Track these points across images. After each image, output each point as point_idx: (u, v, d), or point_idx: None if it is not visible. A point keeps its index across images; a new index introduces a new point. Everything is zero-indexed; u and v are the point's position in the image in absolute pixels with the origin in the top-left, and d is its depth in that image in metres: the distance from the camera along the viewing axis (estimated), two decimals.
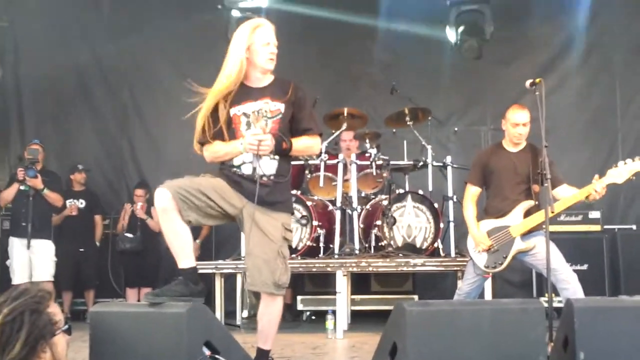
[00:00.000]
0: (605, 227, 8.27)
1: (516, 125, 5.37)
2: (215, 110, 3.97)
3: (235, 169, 3.98)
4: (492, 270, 5.37)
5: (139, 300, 8.26)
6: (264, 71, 4.02)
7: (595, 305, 3.80)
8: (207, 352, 3.64)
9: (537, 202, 5.25)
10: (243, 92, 3.99)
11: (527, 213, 5.29)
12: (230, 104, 3.97)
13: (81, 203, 8.75)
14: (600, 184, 5.09)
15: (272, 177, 3.96)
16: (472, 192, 5.58)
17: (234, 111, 3.98)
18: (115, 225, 8.91)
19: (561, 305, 4.62)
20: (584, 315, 3.61)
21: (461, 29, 8.88)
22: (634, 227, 8.72)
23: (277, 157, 3.96)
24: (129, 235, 8.59)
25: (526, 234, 5.28)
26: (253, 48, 3.94)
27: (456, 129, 8.19)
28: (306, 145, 4.09)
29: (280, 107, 3.98)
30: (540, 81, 5.01)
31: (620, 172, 5.10)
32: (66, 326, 2.76)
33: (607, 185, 5.12)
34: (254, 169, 3.92)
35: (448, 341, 3.50)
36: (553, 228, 7.35)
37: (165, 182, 3.82)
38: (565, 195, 5.25)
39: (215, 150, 4.01)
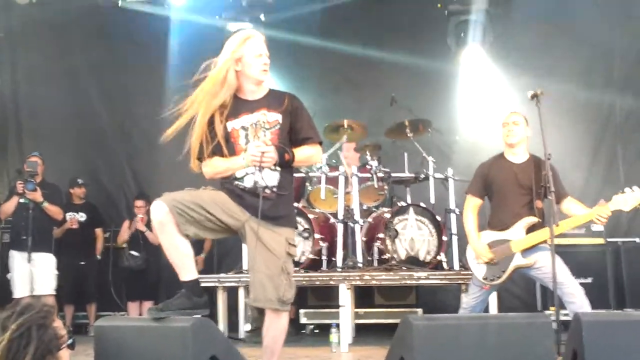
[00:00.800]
0: (609, 240, 8.25)
1: (505, 124, 5.37)
2: (211, 125, 3.92)
3: (237, 182, 3.91)
4: (489, 283, 5.30)
5: (140, 314, 8.23)
6: (257, 82, 3.98)
7: (603, 320, 3.78)
8: None
9: (540, 220, 5.20)
10: (239, 105, 3.95)
11: (530, 229, 5.24)
12: (227, 118, 3.93)
13: (81, 216, 8.72)
14: (606, 211, 5.05)
15: (274, 190, 3.90)
16: (473, 203, 5.50)
17: (232, 125, 3.94)
18: (116, 238, 8.90)
19: (567, 318, 4.62)
20: (592, 330, 3.59)
21: (461, 38, 8.91)
22: (638, 240, 8.68)
23: (278, 168, 3.90)
24: (135, 253, 8.55)
25: (527, 250, 5.23)
26: (245, 60, 3.91)
27: (457, 137, 8.16)
28: (307, 154, 4.02)
29: (278, 117, 3.94)
30: (541, 92, 5.00)
31: (627, 200, 5.02)
32: (70, 340, 2.75)
33: (612, 212, 5.07)
34: (256, 181, 3.86)
35: (455, 355, 3.47)
36: (556, 241, 7.37)
37: (163, 195, 3.76)
38: (570, 209, 5.23)
39: (216, 166, 3.95)
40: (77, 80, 9.81)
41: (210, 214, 3.80)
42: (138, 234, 8.59)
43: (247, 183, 3.89)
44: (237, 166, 3.87)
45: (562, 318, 4.99)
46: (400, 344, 3.64)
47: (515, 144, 5.37)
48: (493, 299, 6.37)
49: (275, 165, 3.85)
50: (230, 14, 9.23)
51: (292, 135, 3.99)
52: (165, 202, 3.69)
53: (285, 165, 3.91)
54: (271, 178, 3.90)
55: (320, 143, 4.09)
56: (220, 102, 3.90)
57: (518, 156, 5.40)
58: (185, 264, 3.78)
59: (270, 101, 3.98)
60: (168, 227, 3.69)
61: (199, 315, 3.74)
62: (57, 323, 2.72)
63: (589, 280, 7.77)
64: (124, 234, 8.74)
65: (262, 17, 9.30)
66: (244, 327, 7.74)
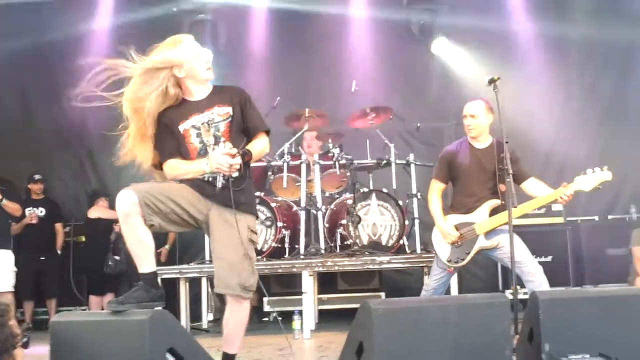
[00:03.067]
0: (568, 219, 8.37)
1: (464, 116, 5.41)
2: (161, 129, 3.94)
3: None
4: (454, 265, 5.35)
5: (102, 308, 8.15)
6: (204, 82, 4.01)
7: (560, 297, 3.81)
8: (172, 359, 3.58)
9: (503, 202, 5.24)
10: (187, 108, 3.96)
11: (493, 211, 5.30)
12: (177, 121, 3.93)
13: (41, 211, 8.60)
14: (568, 191, 5.11)
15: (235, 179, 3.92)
16: (437, 187, 5.54)
17: (183, 127, 3.95)
18: (77, 233, 8.83)
19: (527, 297, 4.67)
20: (549, 307, 3.64)
21: (421, 26, 8.95)
22: (597, 218, 8.84)
23: None
24: (117, 257, 8.44)
25: (490, 232, 5.28)
26: (187, 65, 3.89)
27: (419, 124, 8.18)
28: (261, 148, 4.06)
29: (229, 109, 3.97)
30: (498, 78, 5.03)
31: (588, 180, 5.10)
32: (25, 339, 2.71)
33: (574, 192, 5.15)
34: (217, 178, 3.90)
35: (415, 338, 3.48)
36: (517, 222, 7.45)
37: (131, 185, 3.76)
38: (533, 190, 5.29)
39: (176, 168, 3.96)
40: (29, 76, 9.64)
41: (178, 206, 3.84)
42: (118, 237, 8.45)
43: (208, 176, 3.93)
44: (199, 171, 3.89)
45: (523, 297, 5.05)
46: (360, 329, 3.63)
47: (475, 137, 5.43)
48: (454, 280, 6.43)
49: (239, 171, 3.88)
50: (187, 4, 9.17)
51: (242, 121, 4.01)
52: (135, 191, 3.70)
53: (245, 164, 3.92)
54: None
55: (268, 132, 4.11)
56: (164, 108, 3.92)
57: (481, 142, 5.45)
58: (146, 256, 3.78)
59: (218, 97, 4.00)
60: (134, 218, 3.70)
61: (158, 308, 3.74)
62: (13, 322, 2.68)
63: (549, 258, 7.89)
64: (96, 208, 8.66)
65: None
66: (207, 317, 7.73)
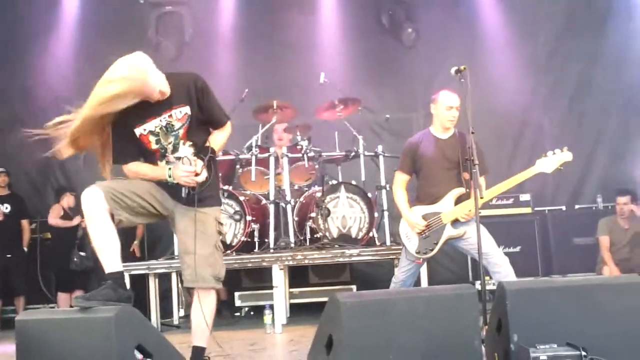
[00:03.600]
0: (536, 209, 8.45)
1: (450, 108, 5.37)
2: (118, 131, 3.86)
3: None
4: (422, 256, 5.37)
5: (71, 305, 8.06)
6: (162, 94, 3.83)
7: (527, 287, 3.84)
8: (140, 356, 3.55)
9: (467, 190, 5.26)
10: (144, 110, 3.80)
11: (458, 200, 5.32)
12: (134, 124, 3.84)
13: (6, 208, 8.50)
14: (529, 174, 5.21)
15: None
16: (401, 178, 5.56)
17: (140, 131, 3.86)
18: (42, 229, 8.72)
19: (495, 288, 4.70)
20: (516, 298, 3.67)
21: (391, 16, 8.96)
22: (564, 207, 8.93)
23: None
24: (82, 253, 8.34)
25: (457, 221, 5.31)
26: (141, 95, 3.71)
27: (388, 116, 8.18)
28: (223, 141, 4.08)
29: (187, 110, 3.88)
30: (465, 68, 5.04)
31: (549, 162, 5.18)
32: None
33: (535, 174, 5.23)
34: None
35: (383, 331, 3.50)
36: (485, 212, 7.55)
37: (96, 182, 3.75)
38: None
39: (137, 172, 3.94)
40: None
41: (144, 200, 3.85)
42: (84, 234, 8.34)
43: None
44: (162, 178, 3.87)
45: (493, 288, 5.09)
46: (328, 323, 3.64)
47: (449, 128, 5.46)
48: (424, 272, 6.47)
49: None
50: None
51: (201, 114, 3.94)
52: (101, 188, 3.70)
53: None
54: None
55: (228, 119, 4.09)
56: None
57: (444, 133, 5.48)
58: (112, 255, 3.76)
59: (173, 96, 3.86)
60: (100, 215, 3.69)
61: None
62: None
63: (518, 249, 7.98)
64: (55, 212, 8.54)
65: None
66: (179, 313, 7.68)
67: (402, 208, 5.49)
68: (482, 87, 8.29)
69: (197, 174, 3.79)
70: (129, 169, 3.95)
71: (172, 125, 3.86)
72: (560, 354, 3.39)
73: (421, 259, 5.42)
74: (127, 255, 8.02)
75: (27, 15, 9.03)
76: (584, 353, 3.37)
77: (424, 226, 5.33)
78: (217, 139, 4.02)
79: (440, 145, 5.44)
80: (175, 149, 3.89)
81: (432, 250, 5.36)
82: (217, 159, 4.22)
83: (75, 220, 8.29)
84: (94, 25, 9.15)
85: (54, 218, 8.51)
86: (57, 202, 8.68)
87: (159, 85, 3.75)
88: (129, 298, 3.78)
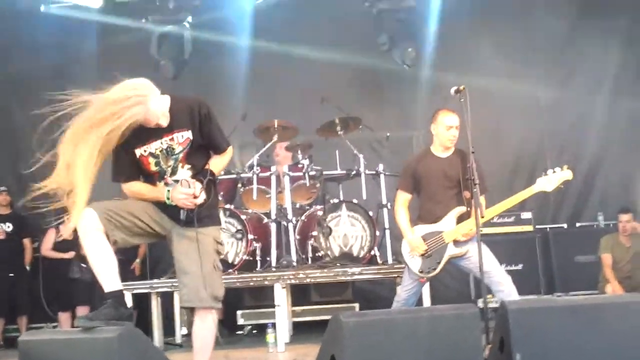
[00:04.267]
0: (537, 227, 8.45)
1: (450, 127, 5.39)
2: (118, 150, 3.82)
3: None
4: (426, 275, 5.39)
5: (72, 324, 8.04)
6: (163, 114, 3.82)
7: (529, 306, 3.84)
8: None
9: (468, 209, 5.28)
10: (146, 131, 3.79)
11: (460, 219, 5.34)
12: (135, 145, 3.84)
13: (8, 227, 8.51)
14: (530, 192, 5.26)
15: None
16: (403, 198, 5.58)
17: (140, 152, 3.87)
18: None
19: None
20: (518, 317, 3.67)
21: (392, 35, 9.00)
22: (565, 225, 8.94)
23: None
24: (83, 265, 8.33)
25: (459, 240, 5.32)
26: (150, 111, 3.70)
27: (388, 134, 8.20)
28: (222, 165, 4.10)
29: (188, 134, 3.87)
30: (464, 88, 5.08)
31: (550, 180, 5.22)
32: None
33: (536, 193, 5.28)
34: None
35: (386, 350, 3.49)
36: (486, 230, 7.55)
37: (91, 204, 3.71)
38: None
39: (135, 191, 3.96)
40: None
41: (140, 221, 3.84)
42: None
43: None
44: (160, 199, 3.86)
45: (495, 306, 5.09)
46: (331, 342, 3.64)
47: (449, 147, 5.49)
48: (427, 291, 6.47)
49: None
50: (157, 16, 9.09)
51: (201, 140, 3.93)
52: (95, 209, 3.69)
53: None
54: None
55: (229, 146, 4.08)
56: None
57: (445, 152, 5.50)
58: (111, 274, 3.74)
59: (176, 120, 3.85)
60: (95, 235, 3.68)
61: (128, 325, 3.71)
62: None
63: (520, 267, 7.97)
64: (48, 243, 8.51)
65: (189, 19, 9.20)
66: (181, 332, 7.67)
67: (403, 229, 5.52)
68: (482, 105, 8.40)
69: (195, 197, 3.79)
70: (128, 188, 3.96)
71: (173, 148, 3.86)
72: None
73: (424, 278, 5.42)
74: (128, 274, 8.02)
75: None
76: None
77: (423, 250, 5.36)
78: (217, 163, 4.03)
79: (440, 164, 5.46)
80: (174, 171, 3.90)
81: (434, 269, 5.37)
82: (219, 177, 4.23)
83: (68, 255, 8.28)
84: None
85: (47, 250, 8.51)
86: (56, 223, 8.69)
87: (160, 111, 3.75)
88: (131, 316, 3.78)
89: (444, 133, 5.43)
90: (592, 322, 3.70)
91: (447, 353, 3.56)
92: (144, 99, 3.63)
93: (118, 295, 3.74)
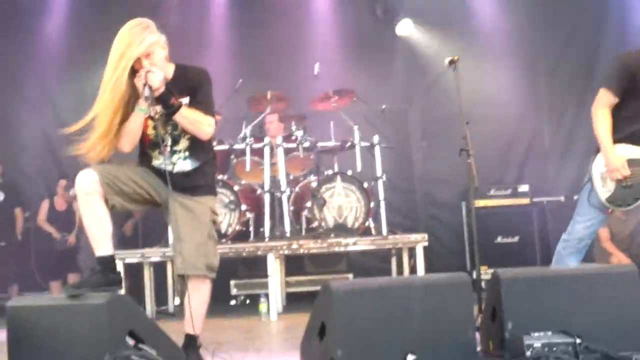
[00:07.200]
0: (534, 199, 8.42)
1: None
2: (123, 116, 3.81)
3: (153, 164, 3.94)
4: (614, 207, 4.36)
5: None
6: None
7: (521, 276, 3.84)
8: (132, 342, 3.53)
9: None
10: None
11: None
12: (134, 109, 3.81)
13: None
14: None
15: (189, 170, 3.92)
16: (607, 101, 4.38)
17: None
18: (36, 218, 8.72)
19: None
20: (510, 286, 3.67)
21: (385, 7, 8.92)
22: (562, 198, 8.89)
23: (187, 153, 3.90)
24: (65, 233, 8.39)
25: None
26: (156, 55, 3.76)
27: (384, 106, 8.12)
28: (196, 118, 3.82)
29: (186, 100, 3.86)
30: (458, 59, 5.02)
31: None
32: None
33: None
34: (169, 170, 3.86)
35: (376, 319, 3.49)
36: (482, 202, 7.56)
37: (91, 165, 3.73)
38: None
39: (123, 133, 3.85)
40: None
41: (139, 186, 3.84)
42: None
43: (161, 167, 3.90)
44: (136, 116, 3.78)
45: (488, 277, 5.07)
46: (321, 310, 3.63)
47: None
48: (420, 260, 6.43)
49: (166, 107, 3.75)
50: None
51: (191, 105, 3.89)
52: (96, 170, 3.67)
53: (170, 110, 3.75)
54: (184, 165, 3.91)
55: (212, 116, 3.95)
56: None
57: None
58: (104, 238, 3.74)
59: (177, 85, 3.85)
60: (94, 198, 3.66)
61: (120, 292, 3.76)
62: None
63: (516, 239, 7.98)
64: (42, 214, 8.57)
65: None
66: (174, 302, 7.67)
67: (603, 141, 4.36)
68: (478, 76, 8.35)
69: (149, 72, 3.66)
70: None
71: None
72: (555, 341, 3.41)
73: (611, 210, 4.39)
74: (120, 235, 8.15)
75: None
76: (578, 340, 3.38)
77: (624, 176, 4.27)
78: (196, 113, 3.84)
79: None
80: (175, 141, 3.88)
81: (629, 205, 4.33)
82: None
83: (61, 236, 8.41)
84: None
85: (42, 221, 8.60)
86: (48, 193, 8.70)
87: (160, 44, 3.79)
88: (120, 281, 3.78)
89: None
90: (583, 291, 3.71)
91: (439, 321, 3.56)
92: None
93: (108, 260, 3.74)
